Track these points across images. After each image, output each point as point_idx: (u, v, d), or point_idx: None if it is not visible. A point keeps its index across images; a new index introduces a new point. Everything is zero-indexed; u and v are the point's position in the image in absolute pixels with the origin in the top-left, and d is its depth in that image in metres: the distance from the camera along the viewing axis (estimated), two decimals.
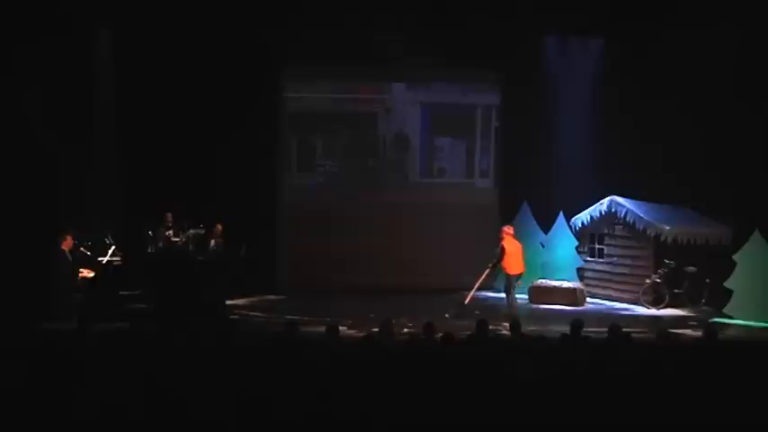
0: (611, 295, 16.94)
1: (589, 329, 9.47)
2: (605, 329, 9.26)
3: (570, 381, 7.43)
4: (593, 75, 17.89)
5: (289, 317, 12.60)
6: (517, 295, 17.04)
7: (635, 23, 16.65)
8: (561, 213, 17.07)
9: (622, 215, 16.59)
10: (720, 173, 16.11)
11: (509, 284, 14.39)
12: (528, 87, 17.67)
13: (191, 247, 15.32)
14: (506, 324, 11.52)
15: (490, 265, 14.58)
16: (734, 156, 16.07)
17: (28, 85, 15.33)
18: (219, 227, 15.68)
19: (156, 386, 7.07)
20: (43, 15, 15.21)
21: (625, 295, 16.69)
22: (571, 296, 16.47)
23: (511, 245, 14.39)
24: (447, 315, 14.01)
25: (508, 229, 14.58)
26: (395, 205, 17.94)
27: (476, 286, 14.75)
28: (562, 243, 17.09)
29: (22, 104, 15.33)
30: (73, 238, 13.27)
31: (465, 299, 14.68)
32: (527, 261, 17.25)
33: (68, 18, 15.50)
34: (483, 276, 14.71)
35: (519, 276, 14.56)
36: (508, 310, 14.13)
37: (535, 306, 16.44)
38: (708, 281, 15.88)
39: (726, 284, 14.89)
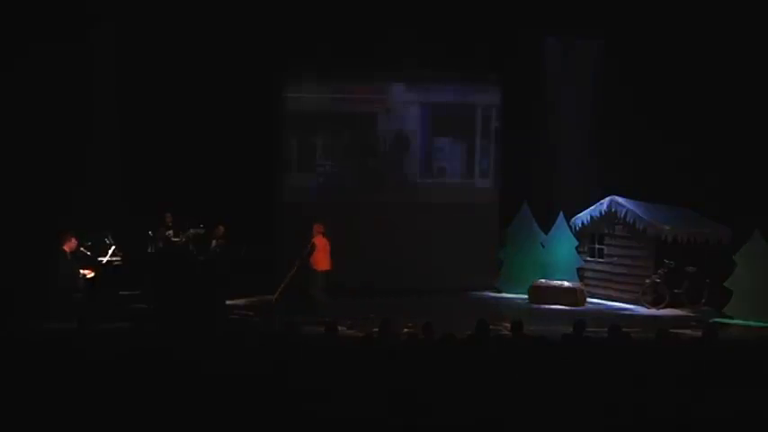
0: (611, 295, 16.94)
1: (589, 329, 9.47)
2: (605, 329, 9.27)
3: (570, 380, 7.44)
4: (594, 75, 17.89)
5: (288, 317, 12.60)
6: (517, 295, 17.21)
7: (635, 23, 16.64)
8: (561, 213, 17.08)
9: (622, 215, 16.59)
10: (720, 173, 16.12)
11: (316, 280, 14.52)
12: (528, 87, 17.67)
13: (191, 247, 15.32)
14: (507, 324, 11.52)
15: (297, 262, 14.65)
16: (734, 156, 16.08)
17: (28, 85, 15.33)
18: (222, 228, 15.65)
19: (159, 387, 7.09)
20: (44, 15, 15.21)
21: (625, 295, 16.69)
22: (571, 296, 16.47)
23: (320, 242, 14.60)
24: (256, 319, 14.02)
25: (319, 227, 14.73)
26: (395, 205, 17.92)
27: (283, 285, 14.75)
28: (562, 243, 17.09)
29: (22, 104, 15.33)
30: (76, 239, 13.26)
31: (274, 299, 14.74)
32: (528, 261, 17.40)
33: (69, 17, 15.50)
34: (291, 274, 14.72)
35: (326, 273, 14.64)
36: (319, 307, 14.14)
37: (535, 306, 16.44)
38: (708, 281, 15.88)
39: (726, 284, 14.90)
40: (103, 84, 16.62)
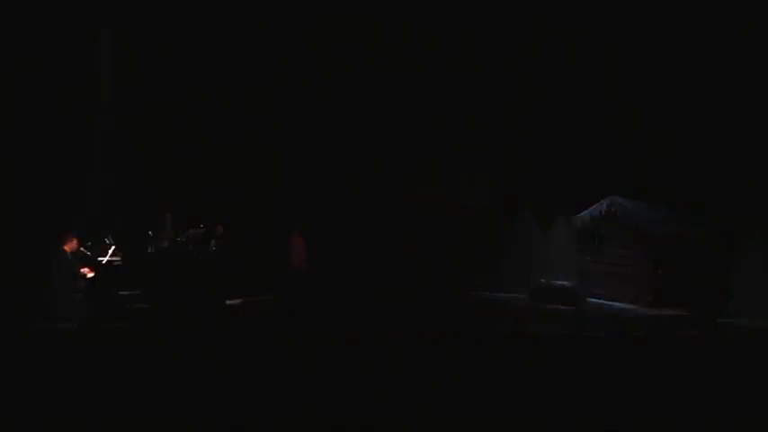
0: (611, 295, 16.94)
1: (589, 329, 9.49)
2: (605, 329, 9.28)
3: (571, 378, 7.45)
4: (592, 74, 17.88)
5: (287, 317, 12.62)
6: (517, 295, 17.21)
7: (634, 23, 16.66)
8: (561, 213, 17.09)
9: (622, 215, 16.60)
10: (720, 172, 16.12)
11: (291, 279, 14.90)
12: (529, 87, 17.67)
13: (191, 247, 15.32)
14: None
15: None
16: (735, 155, 16.08)
17: (29, 85, 15.35)
18: (221, 228, 15.68)
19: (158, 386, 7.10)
20: (46, 14, 15.23)
21: (625, 295, 16.69)
22: (571, 296, 16.48)
23: (296, 242, 15.06)
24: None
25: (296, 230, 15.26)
26: (395, 205, 17.93)
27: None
28: (562, 243, 17.10)
29: (22, 104, 15.35)
30: (77, 239, 13.26)
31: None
32: (528, 261, 17.40)
33: (70, 16, 15.52)
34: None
35: (301, 272, 15.04)
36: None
37: (535, 306, 16.44)
38: (708, 281, 15.87)
39: (726, 284, 14.90)
40: (104, 83, 16.62)
